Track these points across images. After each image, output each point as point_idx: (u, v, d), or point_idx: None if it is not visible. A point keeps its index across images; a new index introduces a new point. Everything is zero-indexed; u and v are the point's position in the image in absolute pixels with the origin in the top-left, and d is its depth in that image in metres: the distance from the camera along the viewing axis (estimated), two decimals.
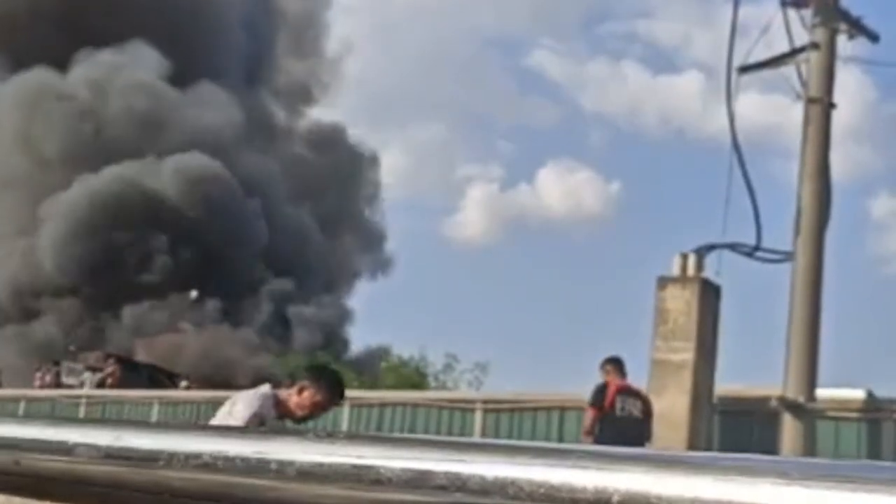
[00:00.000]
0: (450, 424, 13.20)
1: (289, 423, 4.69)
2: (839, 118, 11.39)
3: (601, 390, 9.29)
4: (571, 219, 69.21)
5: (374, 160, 43.49)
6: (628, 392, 9.39)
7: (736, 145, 11.10)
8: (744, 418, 10.75)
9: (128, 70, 36.30)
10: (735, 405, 10.70)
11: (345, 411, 13.79)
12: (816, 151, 10.92)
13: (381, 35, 73.26)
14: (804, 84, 11.08)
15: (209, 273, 34.35)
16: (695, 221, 42.20)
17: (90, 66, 36.82)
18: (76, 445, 1.02)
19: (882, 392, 10.33)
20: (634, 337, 11.52)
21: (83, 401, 19.42)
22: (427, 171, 75.44)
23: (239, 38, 40.16)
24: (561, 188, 68.79)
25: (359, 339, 37.81)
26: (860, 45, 11.68)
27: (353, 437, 0.87)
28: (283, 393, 4.80)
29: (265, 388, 4.86)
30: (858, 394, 10.28)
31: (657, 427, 9.46)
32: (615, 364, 9.48)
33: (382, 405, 14.37)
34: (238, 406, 4.66)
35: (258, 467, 0.87)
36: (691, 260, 10.42)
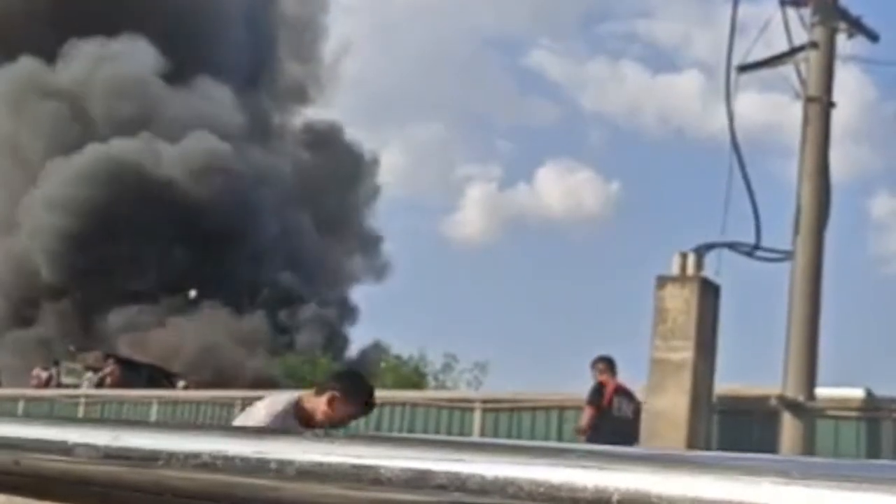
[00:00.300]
0: (449, 424, 13.20)
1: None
2: (838, 117, 11.40)
3: (598, 390, 9.42)
4: (571, 218, 69.25)
5: (374, 162, 43.46)
6: (624, 392, 9.59)
7: (735, 144, 11.11)
8: (743, 417, 10.75)
9: (117, 63, 36.08)
10: (734, 404, 10.70)
11: None
12: (816, 150, 10.92)
13: (381, 35, 73.30)
14: (803, 83, 11.07)
15: (209, 272, 34.31)
16: (694, 221, 42.28)
17: (78, 59, 36.64)
18: (75, 445, 1.02)
19: (881, 391, 10.34)
20: (634, 336, 11.54)
21: (82, 400, 19.42)
22: (426, 171, 75.49)
23: (239, 36, 40.11)
24: (560, 188, 68.85)
25: (359, 339, 37.86)
26: (859, 45, 11.68)
27: (352, 436, 0.87)
28: (310, 401, 4.58)
29: (288, 396, 4.69)
30: (858, 393, 10.28)
31: (657, 426, 9.49)
32: (608, 363, 9.67)
33: (381, 405, 14.36)
34: (261, 413, 4.50)
35: (258, 467, 0.87)
36: (690, 259, 10.42)
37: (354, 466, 0.82)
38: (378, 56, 71.20)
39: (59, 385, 25.34)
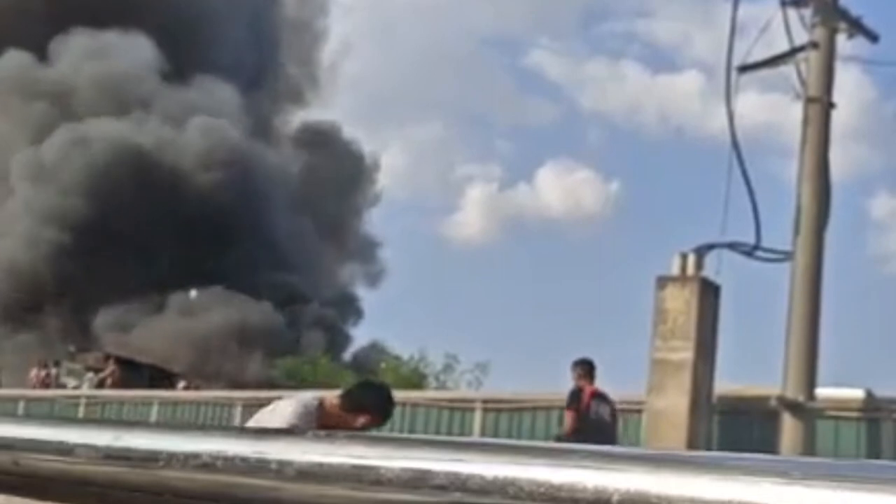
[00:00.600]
0: (449, 424, 13.20)
1: None
2: (838, 117, 11.40)
3: (576, 394, 9.62)
4: (570, 218, 69.14)
5: (374, 167, 43.43)
6: (601, 397, 9.69)
7: (735, 144, 11.11)
8: (743, 418, 10.75)
9: (111, 58, 36.04)
10: (734, 404, 10.70)
11: None
12: (816, 151, 10.92)
13: (380, 34, 73.21)
14: (803, 83, 11.08)
15: (209, 272, 34.28)
16: (694, 221, 42.12)
17: (68, 53, 36.62)
18: (75, 446, 1.02)
19: (881, 391, 10.32)
20: (634, 336, 11.54)
21: (82, 401, 19.42)
22: (426, 171, 75.38)
23: (239, 37, 40.13)
24: (560, 187, 68.65)
25: (359, 340, 37.85)
26: (859, 45, 11.69)
27: (352, 436, 0.87)
28: (335, 411, 4.57)
29: (312, 398, 4.69)
30: (858, 393, 10.28)
31: (657, 426, 9.51)
32: (587, 367, 9.78)
33: None
34: (287, 411, 4.48)
35: (258, 467, 0.87)
36: (690, 259, 10.42)
37: (355, 466, 0.82)
38: (377, 56, 71.19)
39: (59, 385, 25.36)
